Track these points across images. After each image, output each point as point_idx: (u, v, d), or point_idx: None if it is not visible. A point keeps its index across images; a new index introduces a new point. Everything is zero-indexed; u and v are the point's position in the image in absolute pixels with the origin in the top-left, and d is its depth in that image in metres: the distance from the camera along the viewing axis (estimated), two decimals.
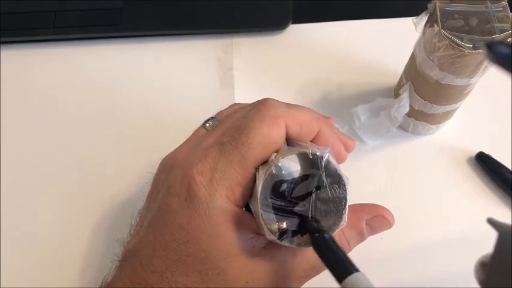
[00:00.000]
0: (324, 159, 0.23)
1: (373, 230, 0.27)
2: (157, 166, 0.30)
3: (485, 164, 0.37)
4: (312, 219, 0.24)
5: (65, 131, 0.41)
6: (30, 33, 0.44)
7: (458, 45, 0.29)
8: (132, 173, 0.38)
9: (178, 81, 0.43)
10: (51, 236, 0.36)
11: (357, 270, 0.20)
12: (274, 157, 0.24)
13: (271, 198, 0.23)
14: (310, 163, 0.23)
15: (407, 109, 0.37)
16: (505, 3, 0.31)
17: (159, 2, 0.45)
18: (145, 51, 0.44)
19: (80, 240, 0.36)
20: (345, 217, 0.24)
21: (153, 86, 0.43)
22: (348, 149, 0.30)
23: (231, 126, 0.26)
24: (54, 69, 0.44)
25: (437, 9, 0.30)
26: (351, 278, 0.20)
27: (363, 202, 0.28)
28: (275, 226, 0.23)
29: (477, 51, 0.29)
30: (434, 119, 0.37)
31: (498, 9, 0.30)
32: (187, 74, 0.43)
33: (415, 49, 0.34)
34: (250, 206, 0.25)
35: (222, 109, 0.32)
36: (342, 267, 0.21)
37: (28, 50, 0.45)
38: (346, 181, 0.24)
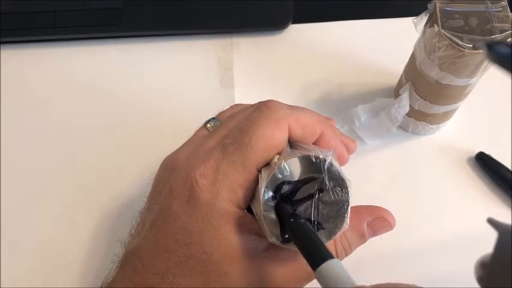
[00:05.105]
0: (327, 162, 0.23)
1: (375, 232, 0.27)
2: (158, 166, 0.30)
3: (485, 164, 0.37)
4: (288, 204, 0.23)
5: (65, 131, 0.41)
6: (30, 33, 0.44)
7: (458, 45, 0.29)
8: (132, 173, 0.38)
9: (178, 81, 0.43)
10: (51, 236, 0.36)
11: (332, 257, 0.20)
12: (277, 159, 0.24)
13: (273, 200, 0.23)
14: (313, 166, 0.23)
15: (407, 109, 0.37)
16: (505, 3, 0.31)
17: (159, 2, 0.45)
18: (145, 51, 0.44)
19: (81, 241, 0.36)
20: (347, 220, 0.24)
21: (153, 86, 0.43)
22: (350, 151, 0.30)
23: (233, 127, 0.26)
24: (54, 69, 0.44)
25: (437, 9, 0.30)
26: (326, 265, 0.20)
27: (362, 202, 0.28)
28: (277, 228, 0.23)
29: (477, 51, 0.29)
30: (434, 119, 0.37)
31: (498, 9, 0.30)
32: (187, 74, 0.43)
33: (415, 49, 0.34)
34: (252, 208, 0.25)
35: (223, 110, 0.32)
36: (317, 254, 0.21)
37: (28, 50, 0.44)
38: (348, 184, 0.24)
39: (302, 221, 0.23)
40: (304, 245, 0.22)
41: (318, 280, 0.20)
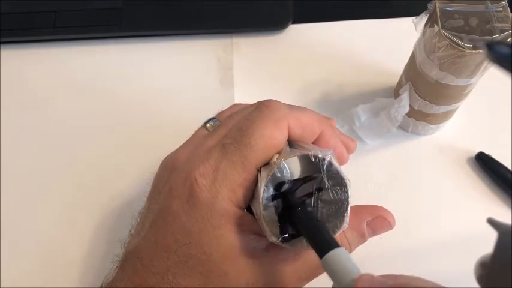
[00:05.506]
0: (326, 161, 0.23)
1: (374, 231, 0.27)
2: (158, 166, 0.30)
3: (485, 164, 0.37)
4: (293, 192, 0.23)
5: (65, 131, 0.41)
6: (30, 33, 0.44)
7: (458, 45, 0.29)
8: (132, 173, 0.38)
9: (178, 81, 0.43)
10: (51, 236, 0.36)
11: (338, 245, 0.20)
12: (277, 159, 0.24)
13: (273, 199, 0.23)
14: (312, 165, 0.23)
15: (407, 109, 0.37)
16: (505, 3, 0.31)
17: (159, 2, 0.45)
18: (145, 51, 0.44)
19: (81, 241, 0.36)
20: (347, 219, 0.24)
21: (153, 86, 0.43)
22: (350, 151, 0.30)
23: (233, 127, 0.26)
24: (54, 69, 0.44)
25: (437, 9, 0.30)
26: (333, 253, 0.20)
27: (362, 202, 0.28)
28: (277, 228, 0.23)
29: (477, 51, 0.29)
30: (434, 119, 0.37)
31: (498, 9, 0.30)
32: (187, 74, 0.43)
33: (415, 49, 0.34)
34: (252, 207, 0.25)
35: (223, 109, 0.32)
36: (324, 242, 0.21)
37: (28, 50, 0.44)
38: (348, 183, 0.24)
39: (309, 209, 0.23)
40: (312, 234, 0.22)
41: (325, 268, 0.20)
